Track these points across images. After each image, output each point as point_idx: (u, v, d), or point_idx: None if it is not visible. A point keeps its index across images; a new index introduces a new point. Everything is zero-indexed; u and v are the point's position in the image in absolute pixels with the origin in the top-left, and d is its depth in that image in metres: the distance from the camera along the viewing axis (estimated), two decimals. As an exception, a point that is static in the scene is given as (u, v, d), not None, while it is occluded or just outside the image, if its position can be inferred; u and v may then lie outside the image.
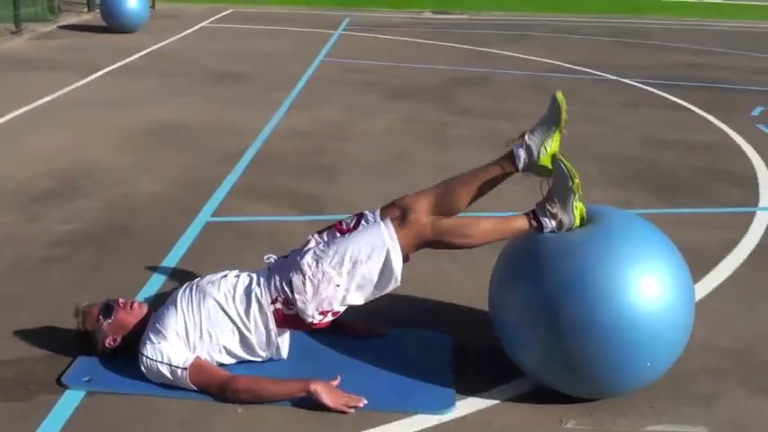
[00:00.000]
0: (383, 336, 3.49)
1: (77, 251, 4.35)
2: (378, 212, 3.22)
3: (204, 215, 4.93)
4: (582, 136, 7.16)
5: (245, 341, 3.12)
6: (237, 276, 3.19)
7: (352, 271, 2.99)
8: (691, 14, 19.70)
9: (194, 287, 3.19)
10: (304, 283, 3.00)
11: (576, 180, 3.01)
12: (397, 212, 3.15)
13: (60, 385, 3.05)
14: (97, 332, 3.15)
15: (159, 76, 9.44)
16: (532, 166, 3.14)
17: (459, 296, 3.94)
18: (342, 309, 3.09)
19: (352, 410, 2.92)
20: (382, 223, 3.07)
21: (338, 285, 3.00)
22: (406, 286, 3.97)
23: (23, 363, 3.22)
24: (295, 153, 6.42)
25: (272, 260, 3.25)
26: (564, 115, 3.13)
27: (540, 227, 3.05)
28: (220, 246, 4.49)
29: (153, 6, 16.26)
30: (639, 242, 2.97)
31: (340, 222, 3.24)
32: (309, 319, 3.04)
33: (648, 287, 2.84)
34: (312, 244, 3.17)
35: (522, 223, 3.08)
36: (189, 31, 13.57)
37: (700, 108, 8.57)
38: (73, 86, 8.60)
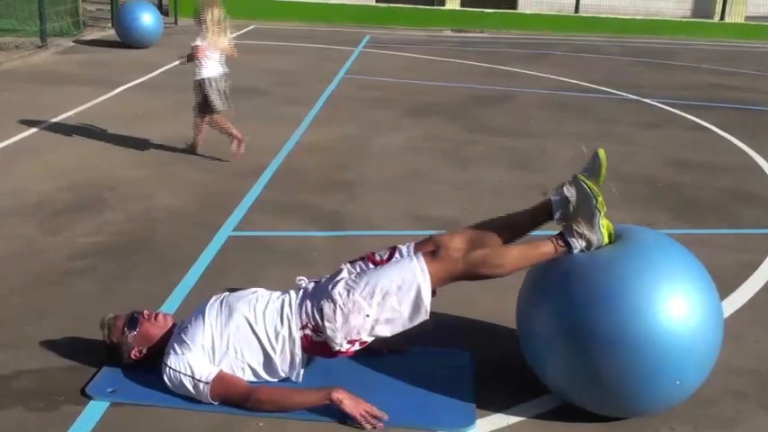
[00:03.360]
0: (403, 353, 3.50)
1: (100, 264, 4.39)
2: (411, 247, 3.25)
3: (226, 229, 4.96)
4: (602, 155, 7.15)
5: (268, 362, 3.13)
6: (270, 296, 3.21)
7: (382, 303, 3.01)
8: (713, 35, 19.68)
9: (223, 301, 3.20)
10: (334, 312, 3.02)
11: (600, 198, 3.02)
12: (431, 248, 3.18)
13: (84, 396, 3.08)
14: (123, 344, 3.18)
15: (181, 91, 9.48)
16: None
17: (479, 313, 3.94)
18: (369, 339, 3.09)
19: (372, 425, 2.93)
20: (415, 258, 3.09)
21: (368, 316, 3.02)
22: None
23: (47, 373, 3.26)
24: (316, 169, 6.45)
25: (304, 283, 3.26)
26: (604, 171, 3.13)
27: (569, 248, 3.04)
28: (242, 260, 4.52)
29: (176, 22, 16.42)
30: (668, 260, 2.99)
31: (373, 254, 3.26)
32: (337, 347, 3.05)
33: (678, 305, 2.85)
34: (345, 273, 3.18)
35: (549, 248, 3.07)
36: (211, 46, 13.65)
37: (722, 129, 8.54)
38: (96, 101, 8.69)
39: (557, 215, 3.18)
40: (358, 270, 3.20)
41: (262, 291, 3.27)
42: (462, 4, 21.17)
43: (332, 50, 13.88)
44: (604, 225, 3.04)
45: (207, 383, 3.00)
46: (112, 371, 3.22)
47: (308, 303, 3.10)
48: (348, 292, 3.03)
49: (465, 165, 6.78)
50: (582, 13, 20.35)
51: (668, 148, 7.67)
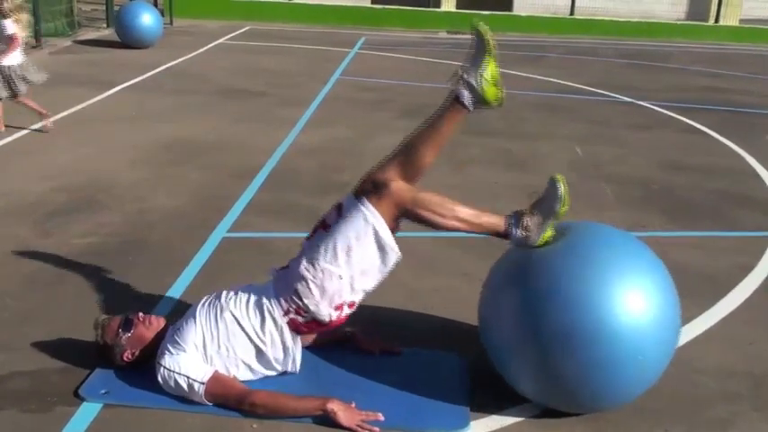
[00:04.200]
0: (398, 354, 3.50)
1: (94, 265, 4.38)
2: (351, 195, 3.18)
3: (220, 231, 4.95)
4: (596, 157, 7.17)
5: (261, 355, 3.14)
6: (249, 291, 3.22)
7: (349, 259, 3.01)
8: (708, 38, 19.73)
9: (213, 301, 3.21)
10: (309, 288, 3.02)
11: (565, 208, 2.98)
12: (369, 186, 3.13)
13: (77, 397, 3.07)
14: (116, 345, 3.18)
15: (176, 92, 9.52)
16: (479, 99, 3.07)
17: (473, 315, 3.92)
18: (356, 298, 3.10)
19: (368, 430, 2.93)
20: (359, 204, 3.06)
21: (341, 277, 3.02)
22: (420, 305, 4.00)
23: (40, 374, 3.25)
24: (311, 170, 6.45)
25: (274, 272, 3.26)
26: (491, 41, 3.07)
27: (507, 236, 3.03)
28: (237, 261, 4.52)
29: (171, 23, 16.41)
30: (612, 248, 3.02)
31: (323, 220, 3.22)
32: (327, 319, 3.06)
33: (628, 286, 2.87)
34: (305, 249, 3.17)
35: (494, 223, 3.05)
36: (206, 47, 13.68)
37: (716, 132, 8.57)
38: (91, 101, 8.69)
39: (468, 102, 3.08)
40: (315, 241, 3.16)
41: (245, 286, 3.27)
42: (458, 6, 21.22)
43: (327, 52, 13.88)
44: (548, 231, 3.01)
45: (202, 384, 3.00)
46: (105, 372, 3.21)
47: (283, 289, 3.10)
48: (312, 264, 3.03)
49: (460, 166, 6.78)
50: (577, 16, 20.39)
51: (662, 150, 7.68)
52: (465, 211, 3.07)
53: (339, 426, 2.93)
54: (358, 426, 2.93)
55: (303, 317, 3.07)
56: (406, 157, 3.17)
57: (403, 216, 3.06)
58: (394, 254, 3.05)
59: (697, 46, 18.15)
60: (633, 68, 13.71)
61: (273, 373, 3.21)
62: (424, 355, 3.53)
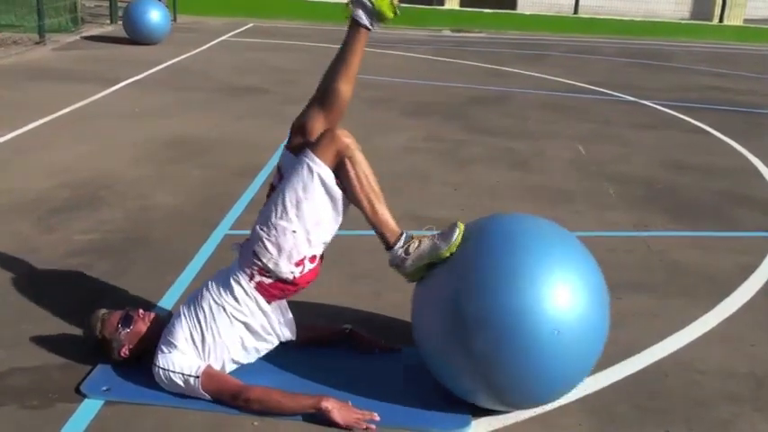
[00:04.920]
0: (398, 352, 3.49)
1: (96, 262, 4.39)
2: (287, 152, 3.20)
3: (223, 228, 4.95)
4: (599, 156, 7.16)
5: (248, 328, 3.14)
6: (219, 273, 3.25)
7: (299, 213, 3.01)
8: (712, 37, 19.70)
9: (194, 294, 3.23)
10: (265, 246, 3.04)
11: (447, 254, 2.94)
12: (299, 137, 3.16)
13: (79, 394, 3.07)
14: (114, 340, 3.18)
15: (179, 89, 9.53)
16: (375, 15, 3.13)
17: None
18: (316, 251, 3.10)
19: (365, 427, 2.92)
20: (300, 155, 3.07)
21: (294, 231, 3.02)
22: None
23: (42, 371, 3.25)
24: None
25: (235, 245, 3.28)
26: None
27: (390, 248, 3.05)
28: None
29: (174, 19, 16.41)
30: (520, 233, 3.00)
31: (270, 184, 3.24)
32: (290, 276, 3.07)
33: (536, 265, 2.84)
34: (259, 214, 3.18)
35: (392, 227, 3.07)
36: (209, 44, 13.68)
37: (719, 132, 8.55)
38: (94, 98, 8.69)
39: (365, 21, 3.14)
40: (268, 204, 3.16)
41: (218, 272, 3.29)
42: (461, 4, 21.19)
43: (330, 49, 13.78)
44: (420, 269, 3.01)
45: (197, 377, 3.00)
46: (107, 369, 3.21)
47: (245, 256, 3.13)
48: (266, 223, 3.05)
49: (463, 165, 6.77)
50: (581, 14, 20.37)
51: (665, 149, 7.67)
52: (379, 196, 3.08)
53: (334, 424, 2.93)
54: (353, 424, 2.93)
55: (267, 277, 3.08)
56: (324, 96, 3.21)
57: (338, 167, 3.03)
58: (344, 200, 3.06)
59: (701, 45, 18.12)
60: (637, 67, 13.69)
61: (270, 345, 3.21)
62: (425, 353, 3.52)
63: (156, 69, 10.76)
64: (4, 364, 3.29)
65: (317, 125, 3.15)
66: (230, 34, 15.37)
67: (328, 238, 3.14)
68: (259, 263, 3.07)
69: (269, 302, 3.14)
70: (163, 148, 6.80)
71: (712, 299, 4.28)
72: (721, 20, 21.16)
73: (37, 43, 12.11)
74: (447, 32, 18.35)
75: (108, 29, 14.81)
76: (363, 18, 3.12)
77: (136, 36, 12.82)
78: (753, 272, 4.68)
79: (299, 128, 3.20)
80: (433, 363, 3.08)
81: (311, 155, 3.03)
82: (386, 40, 15.73)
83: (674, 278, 4.50)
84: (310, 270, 3.13)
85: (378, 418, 2.95)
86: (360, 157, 3.05)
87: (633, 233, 5.19)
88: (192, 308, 3.15)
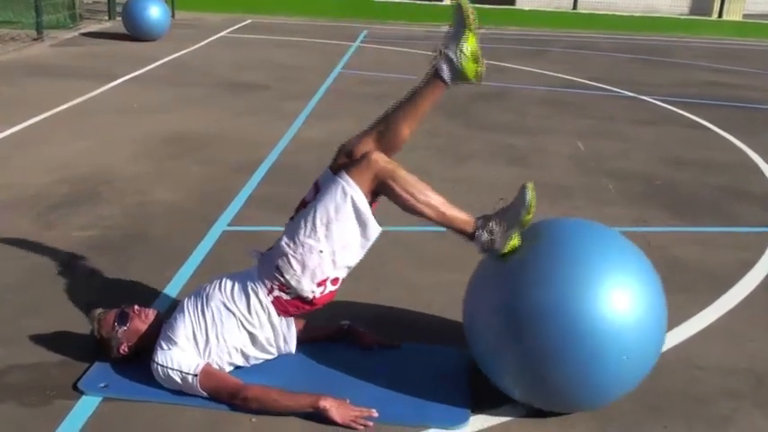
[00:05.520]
0: (397, 348, 3.49)
1: (95, 258, 4.38)
2: (328, 169, 3.19)
3: (221, 224, 4.95)
4: (598, 152, 7.15)
5: (253, 338, 3.13)
6: (234, 277, 3.22)
7: (328, 233, 2.99)
8: (711, 33, 19.68)
9: (199, 292, 3.22)
10: (289, 262, 3.02)
11: (529, 216, 2.95)
12: (344, 159, 3.14)
13: (76, 391, 3.07)
14: (112, 339, 3.17)
15: (177, 85, 9.51)
16: (458, 73, 3.09)
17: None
18: (339, 274, 3.09)
19: (362, 428, 2.92)
20: (336, 177, 3.05)
21: (321, 251, 3.00)
22: (421, 301, 3.99)
23: (40, 368, 3.25)
24: (312, 164, 6.38)
25: (257, 254, 3.25)
26: (470, 16, 3.07)
27: (472, 236, 2.99)
28: (237, 255, 4.49)
29: (173, 15, 16.38)
30: (600, 243, 2.98)
31: (302, 199, 3.22)
32: (310, 295, 3.05)
33: (616, 284, 2.82)
34: (287, 228, 3.16)
35: (465, 219, 3.01)
36: (208, 40, 13.66)
37: (719, 127, 8.54)
38: (92, 94, 8.67)
39: (446, 76, 3.11)
40: (297, 219, 3.14)
41: (230, 274, 3.27)
42: (461, 0, 21.13)
43: (329, 45, 13.86)
44: (513, 240, 2.95)
45: (195, 376, 3.00)
46: (105, 366, 3.21)
47: (265, 268, 3.10)
48: (293, 238, 3.03)
49: (462, 161, 6.77)
50: (580, 10, 20.34)
51: (665, 145, 7.66)
52: (437, 199, 3.05)
53: (333, 422, 2.92)
54: (352, 421, 2.92)
55: (287, 293, 3.06)
56: (384, 131, 3.20)
57: (379, 190, 3.02)
58: (374, 227, 3.03)
59: (700, 41, 18.10)
60: (636, 63, 13.67)
61: (269, 357, 3.20)
62: (422, 349, 3.52)
63: (154, 65, 10.74)
64: (1, 361, 3.29)
65: (372, 156, 3.08)
66: (229, 30, 15.34)
67: (353, 264, 3.11)
68: (281, 278, 3.04)
69: (279, 316, 3.13)
70: (162, 144, 6.79)
71: (712, 294, 4.27)
72: (720, 15, 21.13)
73: (35, 40, 12.08)
74: (446, 28, 18.25)
75: (106, 25, 14.78)
76: (445, 72, 3.08)
77: (135, 32, 12.79)
78: (752, 267, 4.68)
79: (348, 152, 3.17)
80: (486, 361, 3.07)
81: (347, 177, 3.01)
82: (385, 35, 15.71)
83: (673, 274, 4.48)
84: (330, 292, 3.11)
85: (376, 415, 2.95)
86: (402, 173, 3.02)
87: (633, 229, 5.18)
88: (197, 306, 3.14)
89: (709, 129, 8.52)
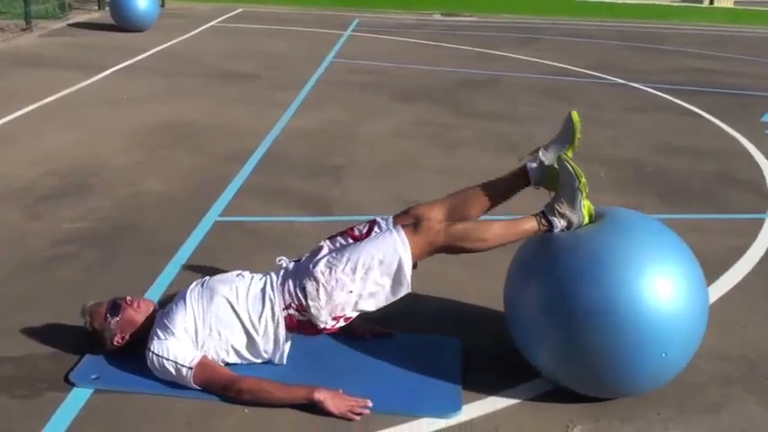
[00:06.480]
0: (390, 337, 3.48)
1: (85, 250, 4.35)
2: (390, 220, 3.23)
3: (212, 215, 4.93)
4: (589, 139, 7.13)
5: (251, 343, 3.11)
6: (251, 278, 3.19)
7: (365, 277, 3.00)
8: (702, 20, 19.69)
9: (204, 284, 3.19)
10: (318, 290, 3.00)
11: (583, 180, 3.03)
12: (410, 220, 3.18)
13: (68, 383, 3.05)
14: (105, 330, 3.15)
15: (167, 75, 9.46)
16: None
17: (467, 299, 3.93)
18: (354, 314, 3.09)
19: (358, 418, 2.91)
20: (394, 231, 3.07)
21: (351, 291, 3.01)
22: (414, 289, 3.98)
23: (31, 360, 3.23)
24: (303, 154, 6.42)
25: (284, 263, 3.24)
26: (578, 134, 3.19)
27: (550, 227, 3.05)
28: (228, 245, 4.49)
29: (162, 5, 16.29)
30: (651, 235, 3.04)
31: (352, 228, 3.24)
32: (322, 325, 3.04)
33: (663, 278, 2.86)
34: (325, 251, 3.16)
35: (532, 225, 3.08)
36: (198, 30, 13.60)
37: (710, 114, 8.55)
38: (81, 84, 8.62)
39: (533, 180, 3.22)
40: (338, 246, 3.17)
41: (243, 273, 3.25)
42: (452, -12, 21.11)
43: (320, 34, 13.81)
44: (585, 206, 3.05)
45: (190, 368, 2.98)
46: (96, 358, 3.19)
47: (291, 283, 3.08)
48: (330, 269, 3.02)
49: (453, 149, 6.75)
50: (571, -3, 20.33)
51: (656, 132, 7.66)
52: (499, 226, 3.09)
53: (328, 413, 2.91)
54: (348, 411, 2.92)
55: (301, 315, 3.05)
56: (455, 206, 3.29)
57: (439, 252, 3.08)
58: (406, 289, 3.06)
59: (692, 28, 18.10)
60: (627, 50, 13.66)
61: (259, 361, 3.19)
62: (416, 338, 3.51)
63: (144, 56, 10.68)
64: (-8, 353, 3.27)
65: (435, 226, 3.07)
66: (219, 20, 15.28)
67: (369, 311, 3.11)
68: (303, 301, 3.03)
69: (286, 332, 3.12)
70: (152, 134, 6.76)
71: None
72: (711, 2, 21.14)
73: (23, 30, 12.00)
74: (438, 16, 18.27)
75: (95, 15, 14.69)
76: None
77: (123, 23, 12.71)
78: (743, 253, 4.69)
79: (416, 216, 3.21)
80: (525, 327, 3.10)
81: (404, 237, 3.02)
82: (376, 24, 15.67)
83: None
84: (339, 327, 3.11)
85: (370, 404, 2.95)
86: (454, 230, 3.05)
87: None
88: (201, 299, 3.12)
89: (700, 115, 8.53)
